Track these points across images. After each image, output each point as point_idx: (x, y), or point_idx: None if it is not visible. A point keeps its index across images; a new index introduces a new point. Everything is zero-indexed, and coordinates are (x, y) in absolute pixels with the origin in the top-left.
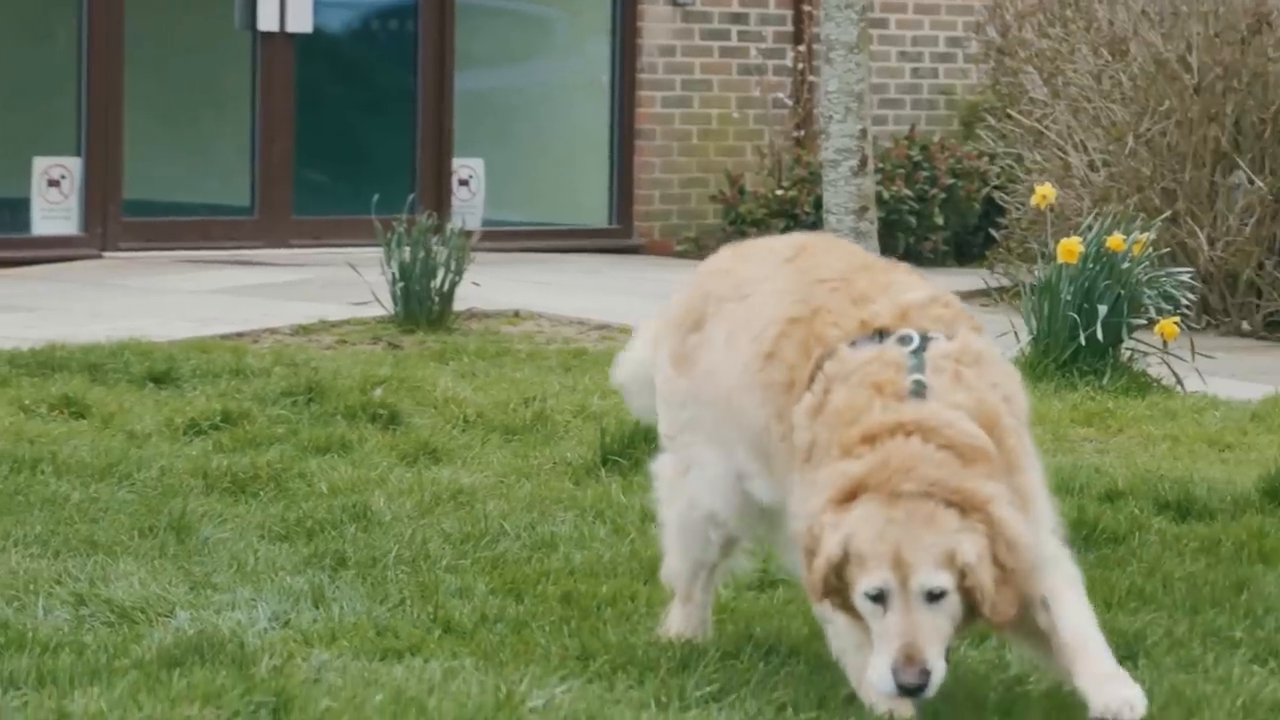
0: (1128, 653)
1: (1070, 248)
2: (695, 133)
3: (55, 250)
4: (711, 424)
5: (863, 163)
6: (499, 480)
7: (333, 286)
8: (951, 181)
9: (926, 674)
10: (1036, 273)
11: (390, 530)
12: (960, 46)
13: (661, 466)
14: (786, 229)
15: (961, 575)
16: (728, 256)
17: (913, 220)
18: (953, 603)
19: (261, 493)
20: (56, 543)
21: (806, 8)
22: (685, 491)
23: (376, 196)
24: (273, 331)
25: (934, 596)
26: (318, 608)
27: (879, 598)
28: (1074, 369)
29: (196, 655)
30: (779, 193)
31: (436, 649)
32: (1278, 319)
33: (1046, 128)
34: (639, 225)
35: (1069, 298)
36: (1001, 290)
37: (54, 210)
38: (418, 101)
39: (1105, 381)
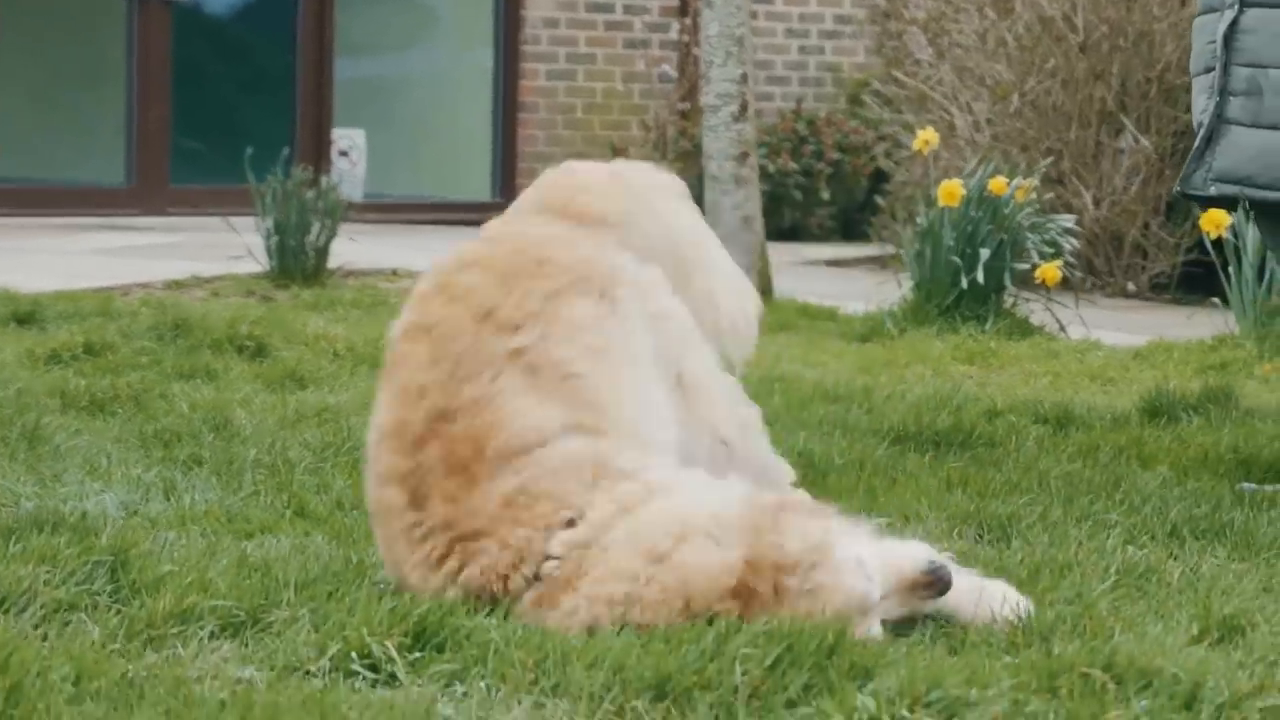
0: (1001, 534)
1: (951, 189)
2: (580, 106)
3: None
4: None
5: (743, 108)
6: (366, 402)
7: (209, 248)
8: (838, 157)
9: None
10: (919, 219)
11: (250, 440)
12: (847, 24)
13: None
14: None
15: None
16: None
17: (799, 195)
18: None
19: (120, 411)
20: None
21: None
22: None
23: (250, 150)
24: (144, 286)
25: None
26: (168, 499)
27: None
28: (956, 314)
29: (36, 528)
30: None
31: (289, 529)
32: (1163, 280)
33: (932, 89)
34: None
35: (951, 242)
36: (889, 257)
37: None
38: (297, 67)
39: (988, 327)
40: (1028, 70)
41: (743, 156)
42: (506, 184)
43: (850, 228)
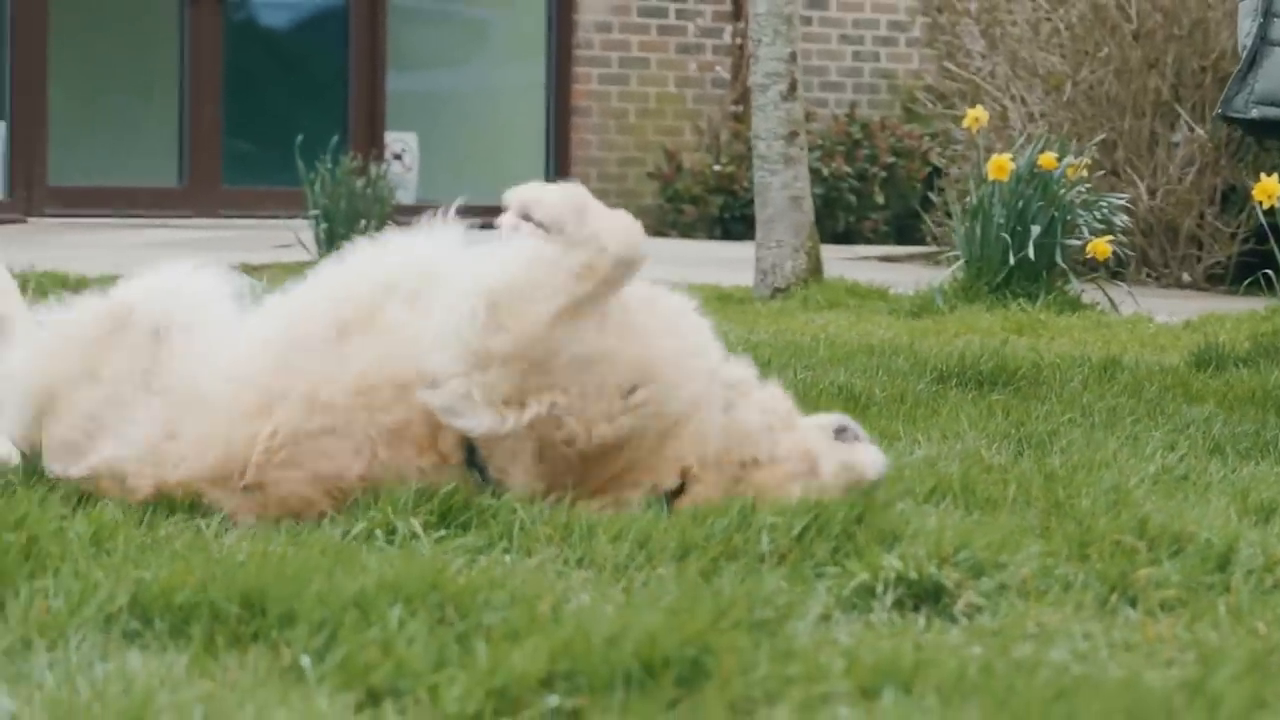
0: (1041, 449)
1: (1001, 164)
2: (632, 111)
3: None
4: None
5: (792, 87)
6: None
7: (259, 242)
8: (892, 161)
9: None
10: (969, 199)
11: None
12: (902, 30)
13: None
14: (724, 205)
15: None
16: None
17: (852, 199)
18: None
19: None
20: None
21: None
22: None
23: (301, 138)
24: None
25: None
26: None
27: None
28: (1007, 291)
29: None
30: (716, 169)
31: None
32: (1219, 271)
33: (984, 81)
34: None
35: (1001, 220)
36: (942, 253)
37: None
38: (350, 77)
39: (1039, 303)
40: (1081, 60)
41: (791, 135)
42: None
43: (904, 233)
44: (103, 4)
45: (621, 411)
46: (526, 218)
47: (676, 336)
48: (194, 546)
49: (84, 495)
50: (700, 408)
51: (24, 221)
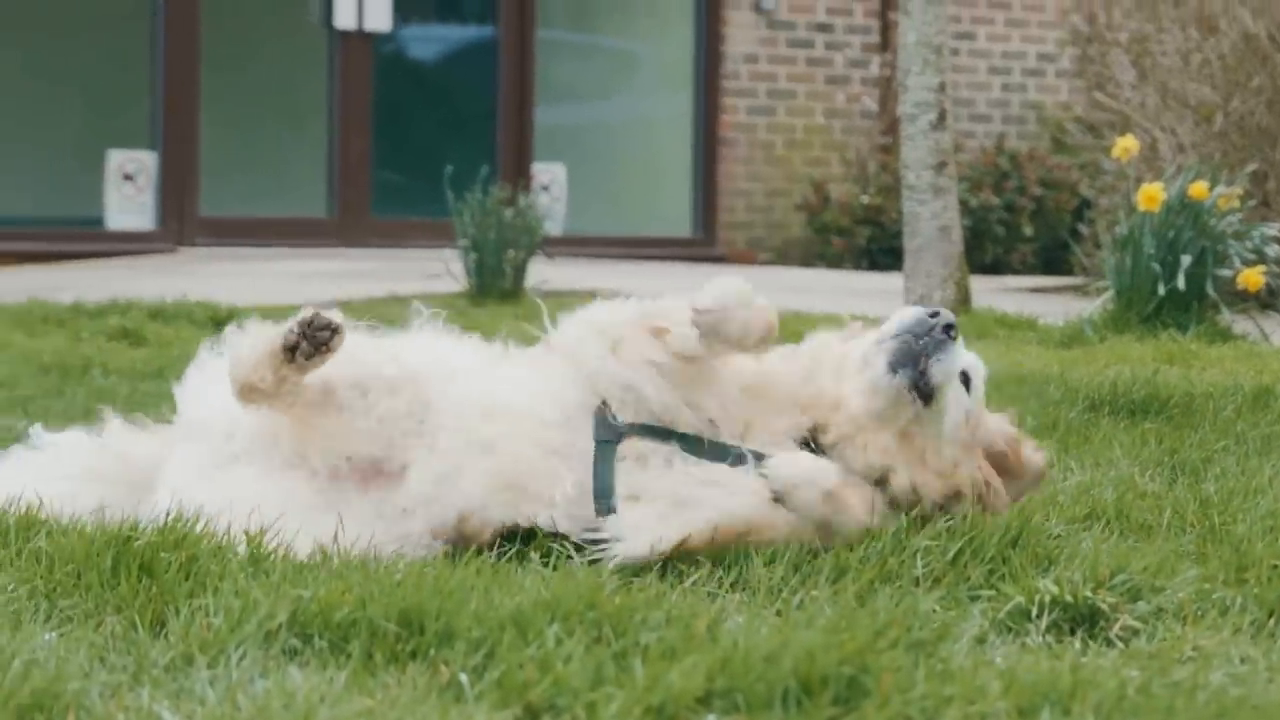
0: (1195, 477)
1: (1152, 194)
2: (780, 142)
3: (130, 245)
4: None
5: (941, 116)
6: None
7: (408, 273)
8: (1041, 192)
9: None
10: (1119, 229)
11: None
12: (1051, 61)
13: None
14: (871, 237)
15: None
16: None
17: (1000, 230)
18: None
19: None
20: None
21: (893, 16)
22: None
23: (450, 169)
24: (342, 303)
25: None
26: None
27: None
28: (1157, 322)
29: None
30: (864, 200)
31: None
32: None
33: (1134, 111)
34: (722, 235)
35: (1151, 250)
36: (1091, 285)
37: (129, 204)
38: (498, 109)
39: (1189, 335)
40: (1232, 90)
41: (940, 165)
42: (707, 220)
43: (1053, 264)
44: (253, 37)
45: None
46: None
47: None
48: (351, 566)
49: None
50: None
51: (174, 251)
